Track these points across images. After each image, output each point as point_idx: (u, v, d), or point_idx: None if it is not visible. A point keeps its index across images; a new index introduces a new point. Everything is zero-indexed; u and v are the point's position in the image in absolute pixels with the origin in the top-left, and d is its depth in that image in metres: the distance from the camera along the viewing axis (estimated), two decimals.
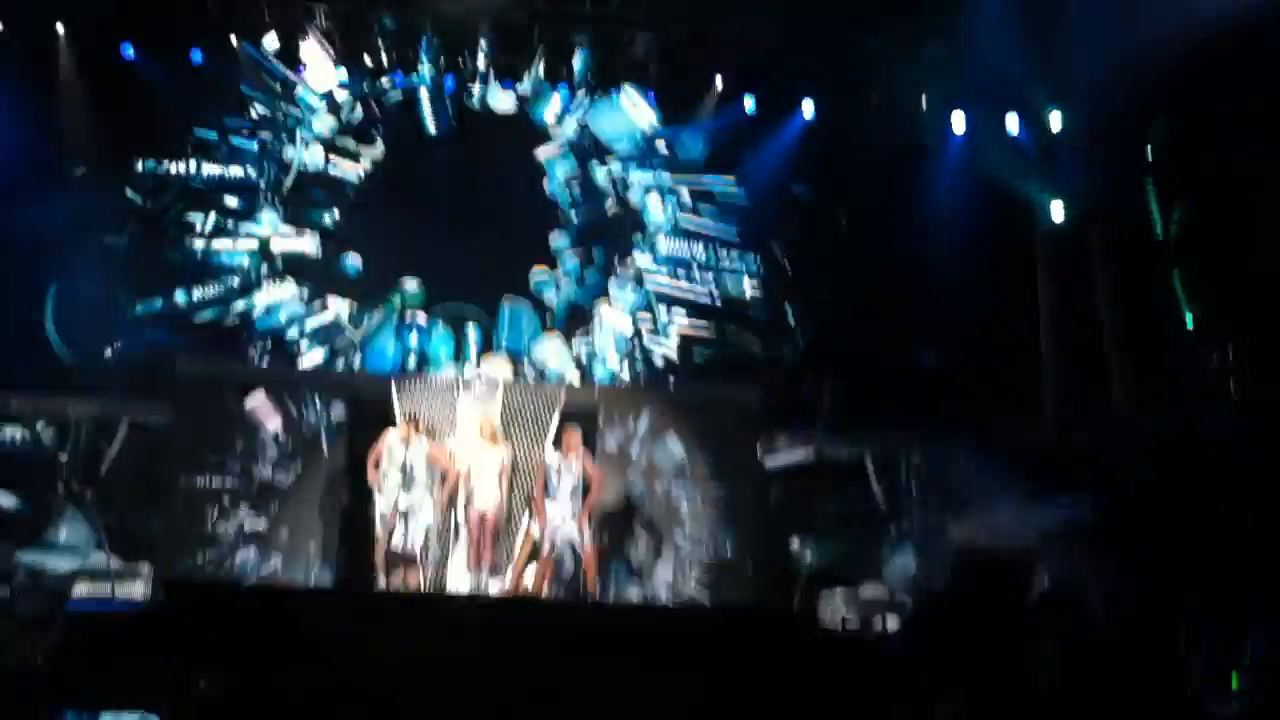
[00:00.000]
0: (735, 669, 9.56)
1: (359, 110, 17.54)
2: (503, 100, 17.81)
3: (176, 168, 16.78)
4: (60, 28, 15.90)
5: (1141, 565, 11.55)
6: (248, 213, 17.02)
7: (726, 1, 15.92)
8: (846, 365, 15.57)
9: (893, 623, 12.16)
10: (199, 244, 16.69)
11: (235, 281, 16.81)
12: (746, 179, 17.44)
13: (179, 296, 16.36)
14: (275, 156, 17.20)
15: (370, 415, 13.56)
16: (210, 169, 16.94)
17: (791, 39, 16.18)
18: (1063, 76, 15.58)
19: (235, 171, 17.08)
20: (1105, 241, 15.25)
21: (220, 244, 16.89)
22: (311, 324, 16.70)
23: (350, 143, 17.53)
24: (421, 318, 16.93)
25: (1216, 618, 10.39)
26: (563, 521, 12.31)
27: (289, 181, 17.30)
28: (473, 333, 16.96)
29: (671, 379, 15.99)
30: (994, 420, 13.71)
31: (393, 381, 13.90)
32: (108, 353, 15.41)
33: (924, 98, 16.76)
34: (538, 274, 17.24)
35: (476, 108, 17.76)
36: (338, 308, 16.93)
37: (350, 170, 17.54)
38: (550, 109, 17.91)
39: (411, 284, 16.94)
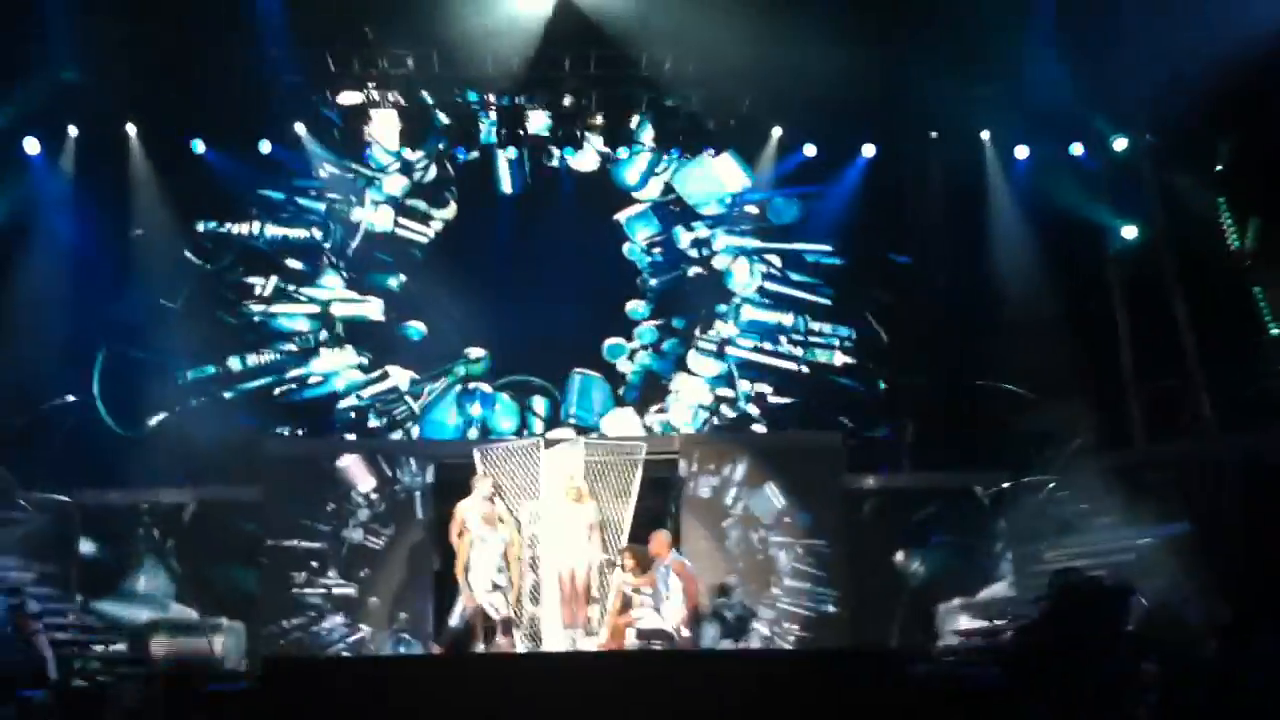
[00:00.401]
0: (833, 712, 9.48)
1: (433, 170, 17.43)
2: (584, 160, 17.57)
3: (238, 228, 16.81)
4: (131, 128, 16.24)
5: (1242, 583, 11.32)
6: (311, 276, 16.96)
7: (782, 53, 15.90)
8: (931, 401, 15.47)
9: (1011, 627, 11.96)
10: (257, 307, 16.70)
11: (293, 346, 16.69)
12: (843, 246, 17.26)
13: (233, 361, 16.38)
14: (342, 217, 17.17)
15: (456, 479, 13.57)
16: (273, 230, 16.95)
17: (849, 86, 16.20)
18: (1124, 101, 15.53)
19: (299, 233, 17.06)
20: (1180, 260, 15.10)
21: (279, 308, 16.85)
22: (370, 392, 16.62)
23: (421, 204, 17.44)
24: (485, 388, 16.77)
25: None
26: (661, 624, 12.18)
27: (355, 244, 17.16)
28: (539, 405, 16.82)
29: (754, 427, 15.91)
30: (1080, 446, 13.55)
31: (475, 448, 13.85)
32: (152, 421, 15.46)
33: (986, 134, 16.73)
34: (613, 343, 17.07)
35: (555, 166, 17.57)
36: (398, 377, 16.78)
37: (419, 232, 17.40)
38: (634, 169, 17.73)
39: (477, 353, 16.75)
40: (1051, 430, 13.74)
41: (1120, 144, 15.89)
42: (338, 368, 16.97)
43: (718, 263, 17.63)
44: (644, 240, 17.72)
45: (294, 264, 17.02)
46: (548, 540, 12.98)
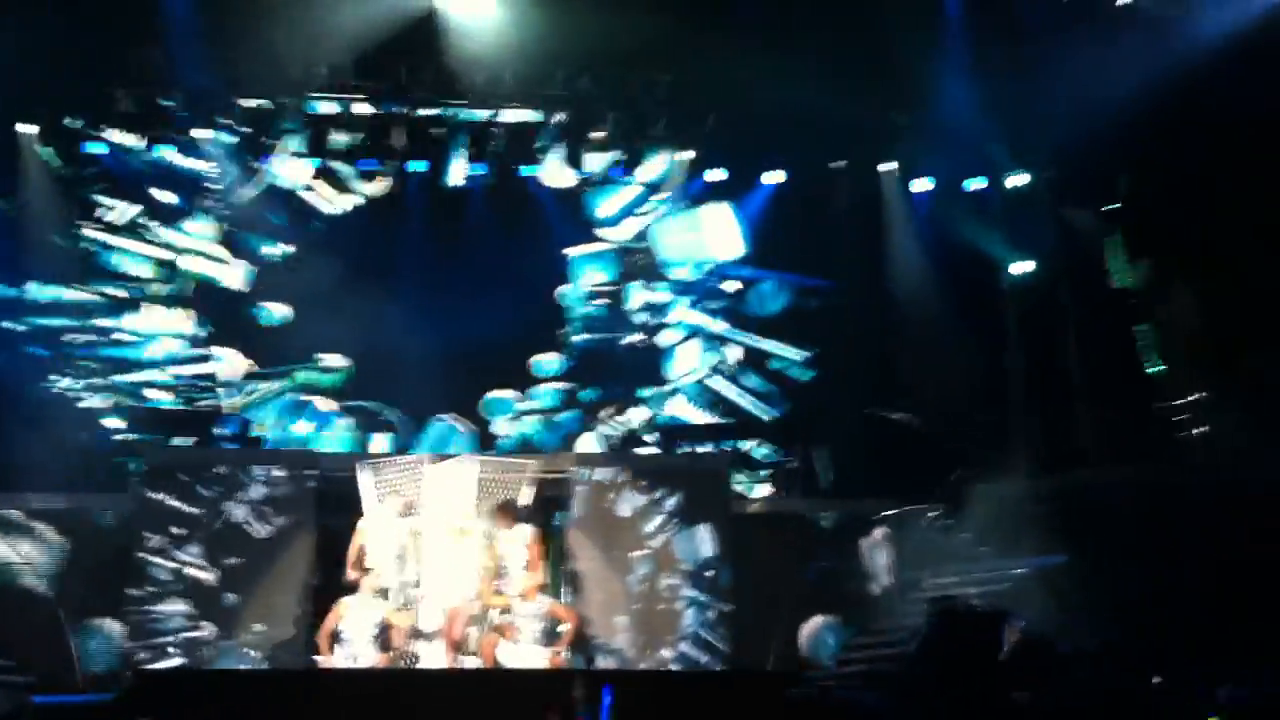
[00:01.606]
0: None
1: (375, 137, 15.53)
2: (558, 173, 15.83)
3: (121, 136, 15.10)
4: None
5: (1116, 612, 11.46)
6: (177, 215, 15.35)
7: (693, 74, 15.86)
8: (825, 431, 15.49)
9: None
10: (97, 235, 15.06)
11: (118, 292, 15.00)
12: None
13: (33, 287, 14.78)
14: (246, 157, 15.53)
15: (336, 493, 13.10)
16: (163, 150, 15.27)
17: (760, 110, 16.23)
18: (1028, 134, 15.76)
19: (188, 163, 15.36)
20: (1072, 295, 15.33)
21: (123, 242, 15.13)
22: (185, 370, 14.95)
23: (347, 169, 15.83)
24: (325, 405, 15.13)
25: (1191, 663, 10.32)
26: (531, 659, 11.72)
27: (248, 192, 15.35)
28: (379, 443, 15.21)
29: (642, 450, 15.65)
30: (966, 474, 13.64)
31: (358, 462, 13.22)
32: None
33: (892, 165, 16.85)
34: (498, 397, 15.71)
35: (520, 174, 15.98)
36: (230, 363, 14.96)
37: (328, 200, 15.72)
38: (613, 201, 16.21)
39: (335, 361, 15.14)
40: (939, 459, 13.81)
41: (1021, 179, 16.10)
42: (160, 331, 15.27)
43: (664, 338, 16.29)
44: (588, 286, 16.17)
45: (165, 196, 15.39)
46: (431, 572, 12.40)
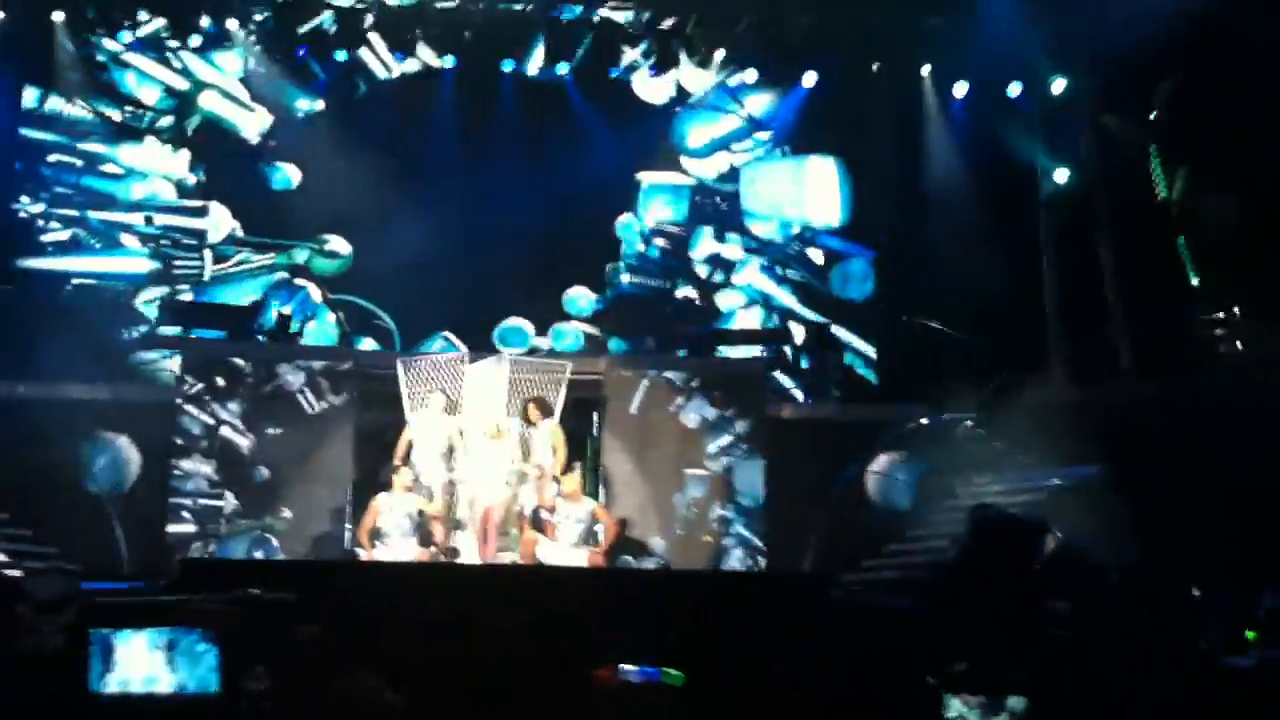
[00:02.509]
0: (751, 632, 9.55)
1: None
2: (655, 86, 14.39)
3: None
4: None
5: (1152, 524, 11.55)
6: (208, 42, 14.12)
7: None
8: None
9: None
10: (110, 45, 14.03)
11: (117, 115, 13.99)
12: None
13: (31, 94, 13.91)
14: None
15: (376, 391, 13.23)
16: None
17: (792, 13, 16.00)
18: (1065, 43, 15.54)
19: None
20: (1109, 206, 15.23)
21: (140, 60, 14.04)
22: (167, 220, 13.94)
23: (416, 30, 14.21)
24: (315, 293, 14.28)
25: (1229, 575, 10.42)
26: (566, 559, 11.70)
27: (296, 30, 13.96)
28: (363, 346, 14.22)
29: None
30: (1001, 385, 13.68)
31: (399, 360, 13.21)
32: None
33: (927, 69, 16.65)
34: (513, 326, 14.61)
35: (616, 75, 14.42)
36: (218, 221, 13.87)
37: (384, 62, 14.33)
38: (707, 129, 14.85)
39: (339, 246, 14.08)
40: (973, 368, 13.84)
41: (1059, 85, 15.91)
42: (151, 170, 14.21)
43: (724, 300, 15.08)
44: (652, 221, 14.88)
45: (202, 19, 14.11)
46: (470, 470, 12.34)
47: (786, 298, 15.06)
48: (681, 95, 15.28)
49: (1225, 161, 14.60)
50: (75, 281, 14.52)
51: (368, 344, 14.60)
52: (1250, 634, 9.37)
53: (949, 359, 14.21)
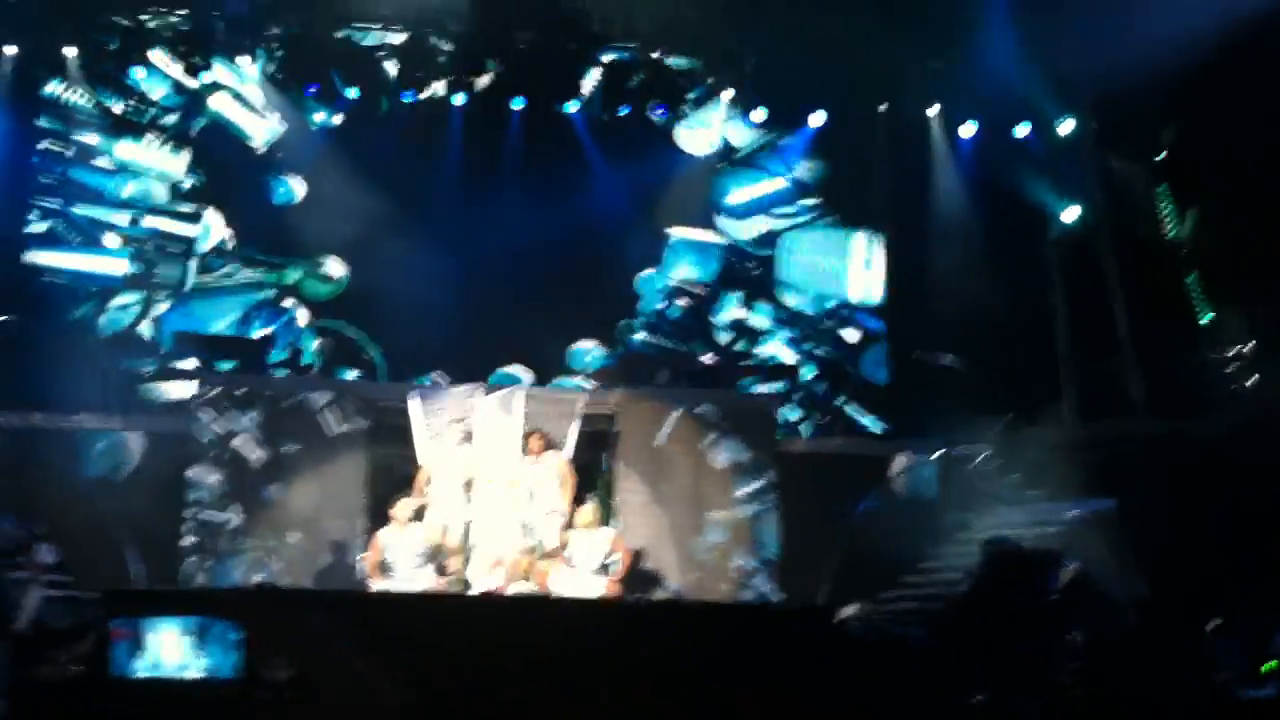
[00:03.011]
0: (761, 664, 9.52)
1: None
2: (698, 137, 13.96)
3: None
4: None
5: (1168, 558, 11.54)
6: (231, 41, 13.69)
7: (734, 19, 15.73)
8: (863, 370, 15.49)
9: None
10: (123, 22, 13.59)
11: (120, 108, 13.55)
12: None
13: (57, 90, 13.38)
14: None
15: (388, 424, 13.20)
16: None
17: (801, 53, 16.15)
18: (1073, 82, 15.69)
19: None
20: (1118, 244, 15.32)
21: (154, 55, 13.45)
22: (155, 223, 13.23)
23: (450, 50, 13.84)
24: (303, 317, 13.79)
25: (1245, 609, 10.39)
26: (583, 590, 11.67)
27: (331, 33, 13.62)
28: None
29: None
30: (1014, 420, 13.72)
31: (411, 393, 13.12)
32: None
33: (934, 109, 16.78)
34: (510, 373, 14.02)
35: (655, 119, 14.10)
36: (211, 228, 13.26)
37: (419, 83, 13.83)
38: (750, 189, 14.38)
39: (335, 269, 13.53)
40: (984, 405, 13.87)
41: (1066, 126, 16.03)
42: (147, 167, 13.63)
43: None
44: (677, 279, 14.38)
45: (215, 63, 13.68)
46: (484, 509, 12.31)
47: (808, 374, 14.63)
48: (727, 151, 15.04)
49: (1234, 200, 14.71)
50: (45, 279, 14.06)
51: (350, 377, 14.25)
52: (1267, 666, 9.37)
53: (960, 395, 14.21)
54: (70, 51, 14.79)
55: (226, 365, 14.06)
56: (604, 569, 11.92)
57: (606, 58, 15.04)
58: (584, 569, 11.83)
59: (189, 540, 12.35)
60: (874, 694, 9.31)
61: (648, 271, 14.45)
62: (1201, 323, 14.91)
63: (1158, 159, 15.76)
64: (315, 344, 14.30)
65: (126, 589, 11.26)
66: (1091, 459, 12.96)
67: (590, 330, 14.55)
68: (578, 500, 12.47)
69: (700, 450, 13.32)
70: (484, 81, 14.28)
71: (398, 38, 14.44)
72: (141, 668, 2.65)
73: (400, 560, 11.80)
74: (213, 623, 2.79)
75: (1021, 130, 16.44)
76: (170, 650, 2.67)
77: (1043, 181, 16.22)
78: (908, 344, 14.94)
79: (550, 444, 12.58)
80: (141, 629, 2.66)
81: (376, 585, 11.75)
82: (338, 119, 14.59)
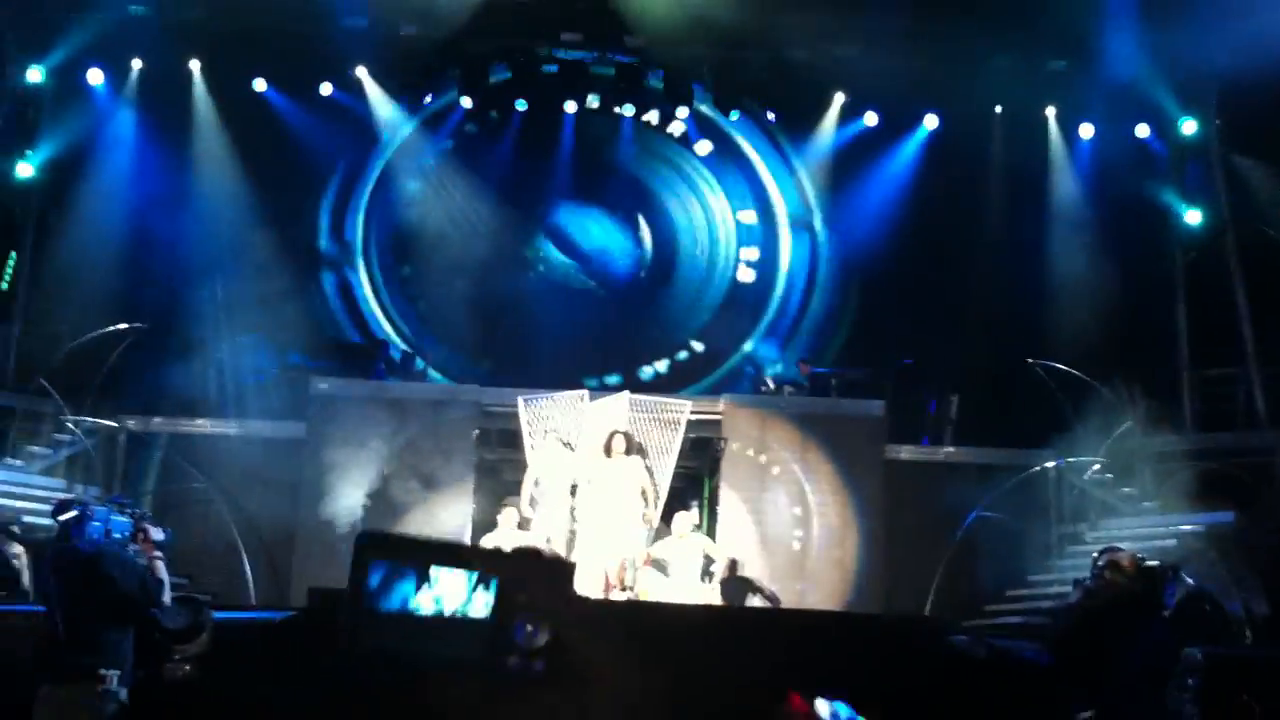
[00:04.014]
0: (871, 675, 9.43)
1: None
2: None
3: None
4: (195, 64, 16.08)
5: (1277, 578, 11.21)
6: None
7: (847, 21, 15.70)
8: (979, 376, 15.24)
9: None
10: None
11: None
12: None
13: None
14: None
15: (499, 429, 13.52)
16: None
17: (913, 58, 16.02)
18: (1195, 82, 15.32)
19: None
20: (1243, 248, 14.89)
21: None
22: None
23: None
24: None
25: None
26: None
27: None
28: None
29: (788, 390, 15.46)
30: (1129, 430, 13.41)
31: (520, 398, 13.47)
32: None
33: (1051, 111, 16.49)
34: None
35: None
36: None
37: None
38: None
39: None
40: (1101, 412, 13.56)
41: (1189, 127, 15.65)
42: None
43: None
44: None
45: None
46: (592, 504, 12.45)
47: None
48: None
49: None
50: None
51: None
52: None
53: (1074, 403, 13.92)
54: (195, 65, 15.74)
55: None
56: (705, 577, 11.93)
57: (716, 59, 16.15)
58: (681, 576, 11.84)
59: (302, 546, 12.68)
60: (981, 708, 9.18)
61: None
62: None
63: None
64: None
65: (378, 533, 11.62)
66: (1208, 471, 12.63)
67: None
68: (682, 507, 12.49)
69: (804, 459, 13.30)
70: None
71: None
72: (425, 603, 2.58)
73: None
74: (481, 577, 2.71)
75: (1142, 131, 16.09)
76: (454, 588, 2.61)
77: (1166, 184, 15.87)
78: (1023, 352, 14.62)
79: (630, 447, 12.61)
80: (425, 569, 2.58)
81: None
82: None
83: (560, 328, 16.00)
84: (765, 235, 17.68)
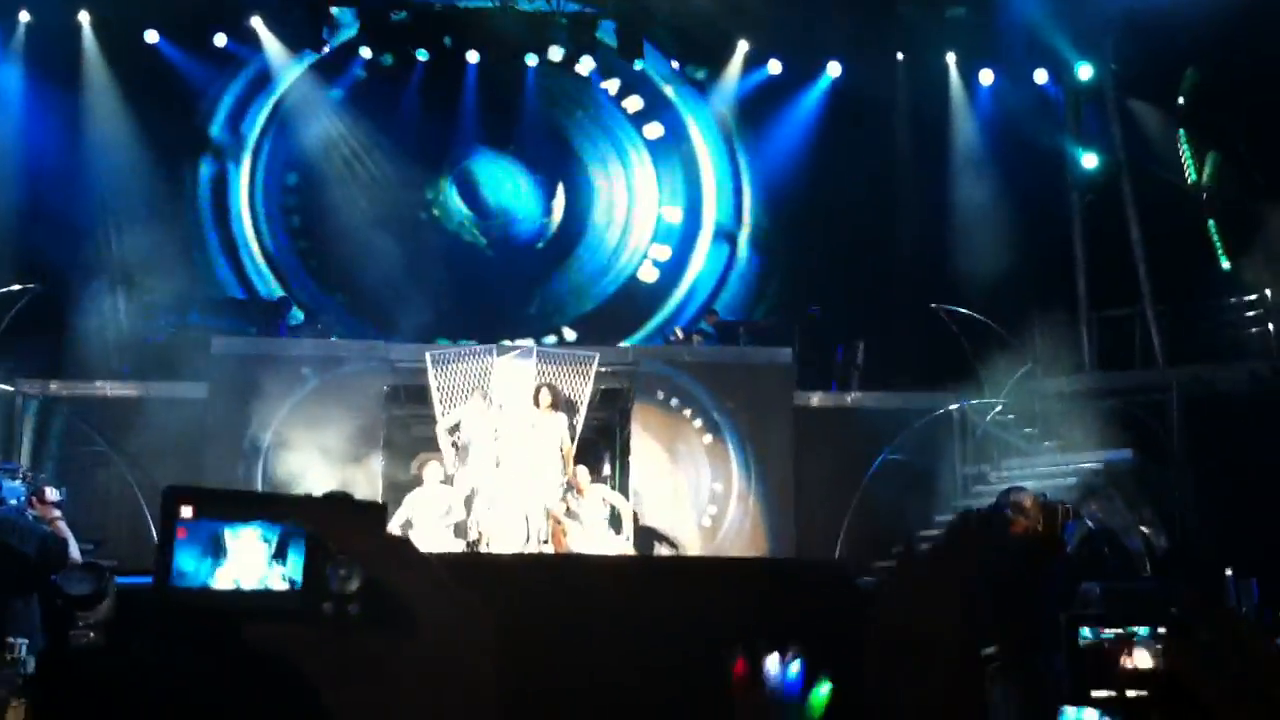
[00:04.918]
0: (778, 615, 9.50)
1: None
2: None
3: None
4: (85, 16, 15.64)
5: (1183, 508, 11.51)
6: None
7: None
8: (878, 323, 15.42)
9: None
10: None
11: None
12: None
13: None
14: None
15: (408, 385, 13.40)
16: None
17: (815, 6, 16.07)
18: (1091, 28, 15.51)
19: None
20: (1138, 191, 15.16)
21: None
22: None
23: None
24: None
25: (1260, 558, 10.34)
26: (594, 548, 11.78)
27: None
28: None
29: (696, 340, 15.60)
30: (1030, 371, 13.66)
31: (427, 353, 13.28)
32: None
33: (952, 57, 16.63)
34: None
35: None
36: None
37: None
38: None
39: None
40: (1003, 355, 13.79)
41: (1085, 72, 15.85)
42: None
43: None
44: None
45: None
46: (506, 466, 12.32)
47: None
48: None
49: (1254, 145, 14.54)
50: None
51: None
52: None
53: (976, 345, 14.14)
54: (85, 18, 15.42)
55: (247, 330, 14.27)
56: (616, 527, 11.96)
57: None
58: (590, 528, 11.87)
59: None
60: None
61: None
62: (1221, 270, 14.78)
63: (1178, 104, 15.58)
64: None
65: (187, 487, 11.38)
66: (1107, 409, 12.90)
67: None
68: (594, 459, 12.50)
69: (714, 408, 13.34)
70: None
71: None
72: (222, 577, 2.52)
73: (423, 520, 11.87)
74: (290, 530, 2.63)
75: (1040, 77, 16.28)
76: (252, 558, 2.55)
77: (1063, 129, 16.08)
78: (927, 297, 14.82)
79: (558, 402, 12.55)
80: (219, 532, 2.49)
81: None
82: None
83: (434, 281, 15.60)
84: (684, 236, 17.57)
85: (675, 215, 17.60)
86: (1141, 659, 5.87)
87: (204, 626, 2.75)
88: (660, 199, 17.62)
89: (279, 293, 16.46)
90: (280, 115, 16.90)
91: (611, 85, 17.38)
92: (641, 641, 8.70)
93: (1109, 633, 5.91)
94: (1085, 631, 5.95)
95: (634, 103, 17.56)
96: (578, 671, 8.30)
